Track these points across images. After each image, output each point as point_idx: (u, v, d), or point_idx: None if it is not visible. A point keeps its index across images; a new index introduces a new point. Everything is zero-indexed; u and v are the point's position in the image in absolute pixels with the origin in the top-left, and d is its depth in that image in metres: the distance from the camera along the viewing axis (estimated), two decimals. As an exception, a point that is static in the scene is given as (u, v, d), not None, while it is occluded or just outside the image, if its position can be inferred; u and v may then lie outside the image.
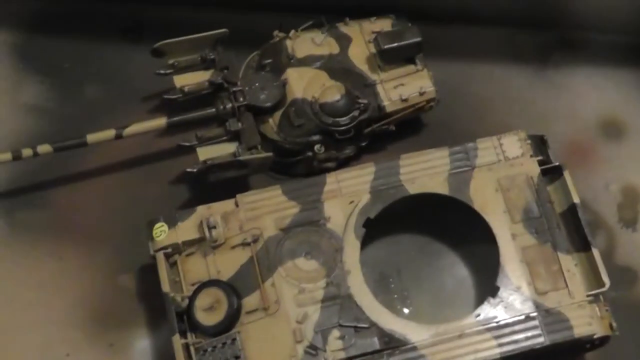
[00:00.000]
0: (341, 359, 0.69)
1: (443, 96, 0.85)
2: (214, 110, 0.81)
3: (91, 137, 0.79)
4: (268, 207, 0.75)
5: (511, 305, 0.72)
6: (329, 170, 0.80)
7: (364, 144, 0.84)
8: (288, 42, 0.83)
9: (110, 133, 0.79)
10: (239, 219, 0.74)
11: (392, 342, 0.70)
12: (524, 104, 0.90)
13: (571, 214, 0.77)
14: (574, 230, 0.76)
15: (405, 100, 0.82)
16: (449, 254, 0.81)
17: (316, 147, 0.81)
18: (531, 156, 0.78)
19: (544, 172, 0.77)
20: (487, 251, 0.75)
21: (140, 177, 0.79)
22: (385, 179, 0.76)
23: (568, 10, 0.90)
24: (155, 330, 0.78)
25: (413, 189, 0.76)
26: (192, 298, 0.71)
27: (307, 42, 0.84)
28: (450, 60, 0.91)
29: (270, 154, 0.79)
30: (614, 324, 0.73)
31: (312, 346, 0.69)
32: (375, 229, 0.76)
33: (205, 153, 0.80)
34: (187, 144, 0.81)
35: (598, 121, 0.91)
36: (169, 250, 0.73)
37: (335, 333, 0.70)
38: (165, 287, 0.72)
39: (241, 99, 0.80)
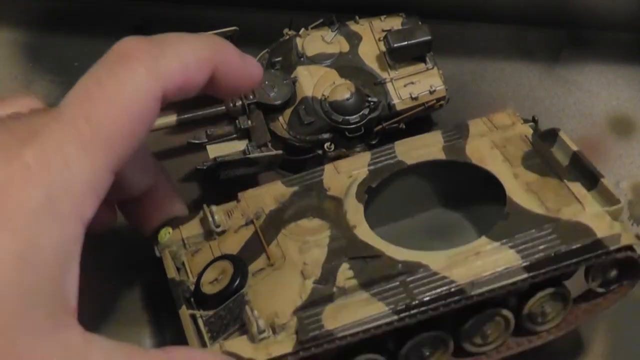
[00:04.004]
0: (353, 285, 0.65)
1: (453, 94, 0.85)
2: (224, 107, 0.81)
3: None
4: (269, 194, 0.74)
5: (524, 223, 0.69)
6: (338, 168, 0.81)
7: (374, 142, 0.84)
8: (298, 40, 0.83)
9: (121, 131, 0.79)
10: (241, 208, 0.74)
11: (407, 267, 0.66)
12: (534, 100, 0.90)
13: (574, 162, 0.75)
14: (580, 176, 0.75)
15: (415, 99, 0.82)
16: (460, 219, 0.79)
17: (326, 145, 0.81)
18: (522, 124, 0.78)
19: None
20: (494, 210, 0.73)
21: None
22: (382, 160, 0.76)
23: (578, 8, 0.90)
24: (161, 330, 0.78)
25: (410, 160, 0.76)
26: (198, 278, 0.69)
27: (317, 40, 0.84)
28: (460, 58, 0.91)
29: (280, 151, 0.79)
30: None
31: (322, 279, 0.66)
32: (378, 218, 0.75)
33: (216, 150, 0.80)
34: (197, 141, 0.81)
35: (608, 118, 0.91)
36: (174, 248, 0.73)
37: (345, 266, 0.67)
38: (171, 274, 0.71)
39: (251, 97, 0.81)
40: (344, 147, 0.82)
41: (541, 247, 0.68)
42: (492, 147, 0.76)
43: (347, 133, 0.81)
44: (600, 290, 0.73)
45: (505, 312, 0.70)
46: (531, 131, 0.77)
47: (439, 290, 0.65)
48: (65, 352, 0.50)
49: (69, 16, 0.91)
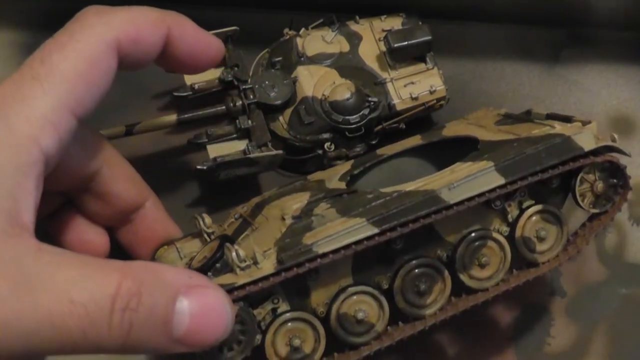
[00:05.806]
0: (331, 212, 0.66)
1: (453, 94, 0.85)
2: (224, 107, 0.81)
3: (102, 134, 0.79)
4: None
5: (494, 147, 0.71)
6: (339, 168, 0.81)
7: (374, 142, 0.84)
8: (298, 40, 0.83)
9: (121, 129, 0.80)
10: (230, 215, 0.76)
11: (381, 194, 0.67)
12: (534, 100, 0.90)
13: (549, 118, 0.77)
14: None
15: (415, 99, 0.82)
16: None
17: (326, 145, 0.81)
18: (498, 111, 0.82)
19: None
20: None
21: (150, 173, 0.79)
22: (364, 159, 0.80)
23: (578, 7, 0.90)
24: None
25: (391, 152, 0.79)
26: (190, 262, 0.71)
27: (318, 40, 0.84)
28: (461, 58, 0.91)
29: (280, 151, 0.79)
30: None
31: (300, 216, 0.66)
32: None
33: (216, 150, 0.80)
34: (198, 141, 0.81)
35: (608, 117, 0.91)
36: (170, 257, 0.73)
37: (323, 203, 0.68)
38: None
39: (251, 97, 0.81)
40: (344, 147, 0.82)
41: (511, 153, 0.68)
42: (467, 125, 0.79)
43: (347, 133, 0.81)
44: (594, 210, 0.74)
45: (496, 235, 0.70)
46: (504, 110, 0.81)
47: (415, 199, 0.65)
48: (16, 256, 0.53)
49: (69, 16, 0.91)
